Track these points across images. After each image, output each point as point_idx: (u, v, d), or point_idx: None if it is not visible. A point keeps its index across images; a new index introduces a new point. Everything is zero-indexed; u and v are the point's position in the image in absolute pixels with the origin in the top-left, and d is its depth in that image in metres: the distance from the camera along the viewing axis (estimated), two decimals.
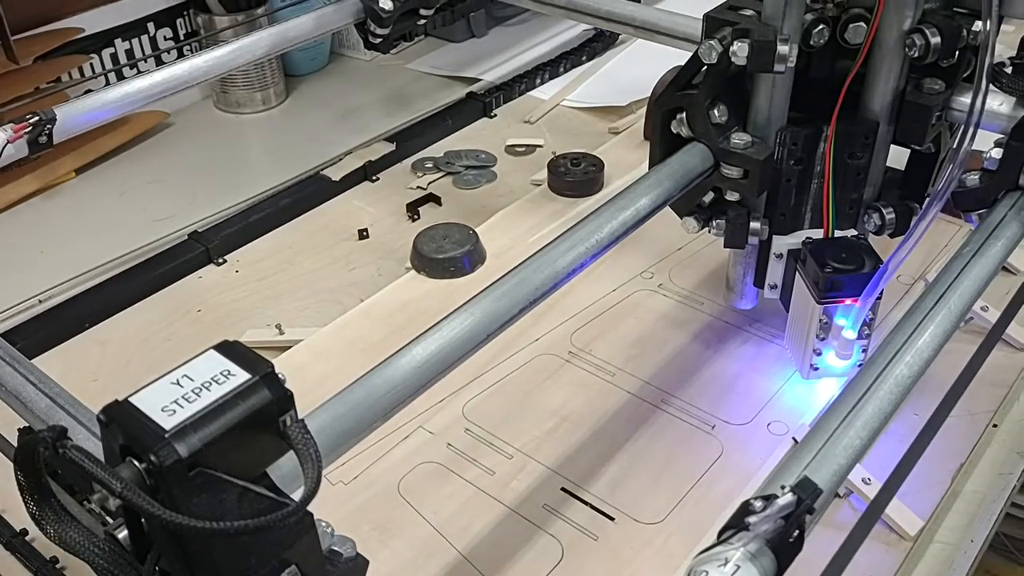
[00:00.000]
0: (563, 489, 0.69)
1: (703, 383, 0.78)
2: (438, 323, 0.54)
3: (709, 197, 0.75)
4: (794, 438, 0.72)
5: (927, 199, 0.74)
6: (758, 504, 0.44)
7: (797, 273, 0.76)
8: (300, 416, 0.44)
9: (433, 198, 1.07)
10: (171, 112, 1.25)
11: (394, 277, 0.93)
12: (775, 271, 0.79)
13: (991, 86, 0.66)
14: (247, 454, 0.42)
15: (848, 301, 0.72)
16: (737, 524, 0.44)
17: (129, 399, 0.41)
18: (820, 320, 0.74)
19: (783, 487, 0.44)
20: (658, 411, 0.75)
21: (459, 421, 0.75)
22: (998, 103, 0.69)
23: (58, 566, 0.66)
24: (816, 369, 0.76)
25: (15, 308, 0.91)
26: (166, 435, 0.39)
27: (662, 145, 0.74)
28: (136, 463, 0.39)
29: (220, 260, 0.98)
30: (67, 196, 1.11)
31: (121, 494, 0.37)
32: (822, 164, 0.74)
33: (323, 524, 0.46)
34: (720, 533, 0.45)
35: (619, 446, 0.72)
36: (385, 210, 1.06)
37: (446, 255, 0.91)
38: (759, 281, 0.80)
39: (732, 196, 0.74)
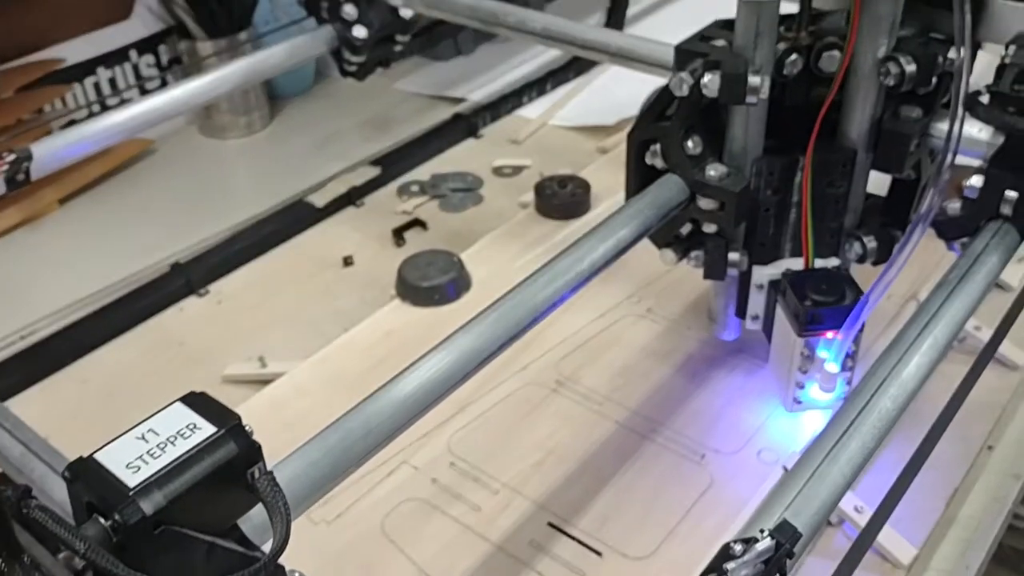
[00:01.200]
0: (550, 524, 0.68)
1: (691, 412, 0.77)
2: (416, 362, 0.54)
3: (687, 228, 0.74)
4: (784, 467, 0.71)
5: (909, 226, 0.73)
6: (738, 548, 0.43)
7: (777, 306, 0.75)
8: (272, 464, 0.44)
9: (419, 223, 1.06)
10: (155, 139, 1.24)
11: (379, 305, 0.93)
12: (756, 302, 0.78)
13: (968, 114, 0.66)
14: (215, 508, 0.41)
15: (830, 334, 0.71)
16: (717, 568, 0.43)
17: (94, 455, 0.40)
18: (802, 353, 0.73)
19: (762, 531, 0.43)
20: (646, 441, 0.74)
21: (444, 455, 0.74)
22: (977, 129, 0.68)
23: None
24: (799, 403, 0.75)
25: None
26: (130, 492, 0.38)
27: (637, 176, 0.73)
28: (102, 520, 0.38)
29: (202, 291, 0.97)
30: (50, 228, 1.10)
31: (85, 555, 0.36)
32: (800, 193, 0.73)
33: (296, 575, 0.45)
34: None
35: (607, 479, 0.71)
36: (370, 235, 1.05)
37: (431, 283, 0.90)
38: (741, 312, 0.79)
39: (710, 228, 0.73)
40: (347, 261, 1.01)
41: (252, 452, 0.42)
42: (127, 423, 0.41)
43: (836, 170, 0.72)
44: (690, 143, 0.69)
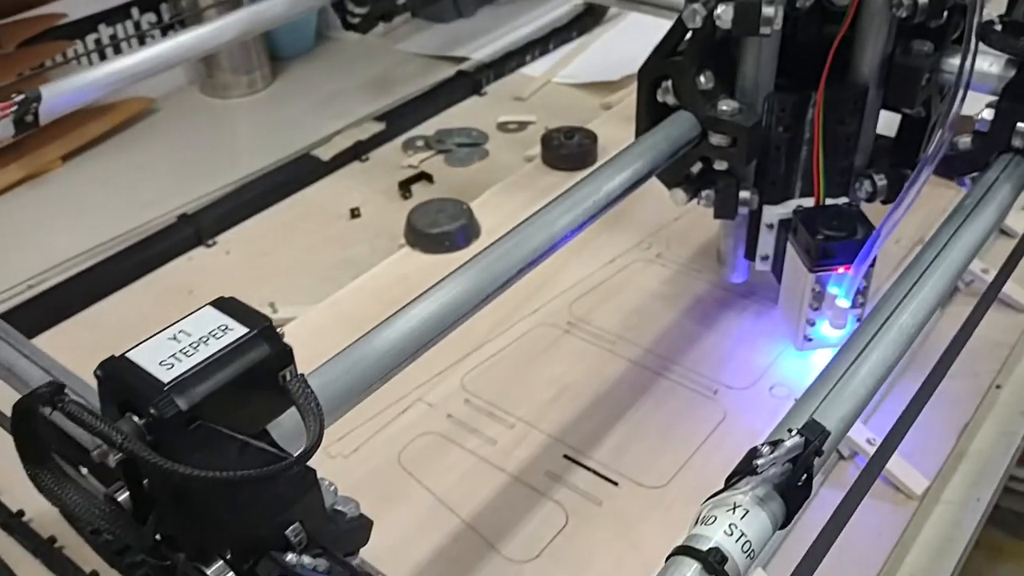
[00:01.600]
0: (566, 456, 0.68)
1: (703, 351, 0.78)
2: (437, 284, 0.54)
3: (698, 167, 0.74)
4: (796, 400, 0.72)
5: (920, 160, 0.73)
6: (765, 449, 0.43)
7: (788, 243, 0.75)
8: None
9: (425, 176, 1.06)
10: (157, 97, 1.24)
11: (388, 254, 0.93)
12: (766, 242, 0.78)
13: (980, 46, 0.66)
14: (247, 409, 0.41)
15: (841, 269, 0.71)
16: (745, 469, 0.43)
17: (126, 355, 0.40)
18: (813, 289, 0.73)
19: (790, 430, 0.43)
20: (659, 378, 0.75)
21: (459, 392, 0.74)
22: (988, 64, 0.68)
23: (56, 545, 0.65)
24: (810, 340, 0.76)
25: (5, 293, 0.90)
26: (165, 387, 0.38)
27: (648, 114, 0.73)
28: (135, 418, 0.38)
29: (210, 242, 0.97)
30: (54, 183, 1.10)
31: (122, 446, 0.36)
32: (811, 131, 0.73)
33: (326, 483, 0.45)
34: (728, 479, 0.44)
35: (621, 413, 0.72)
36: (376, 189, 1.05)
37: (440, 230, 0.90)
38: (750, 253, 0.80)
39: (721, 165, 0.73)
40: (354, 213, 1.01)
41: (284, 354, 0.42)
42: None
43: (847, 107, 0.72)
44: (702, 78, 0.69)
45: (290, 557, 0.42)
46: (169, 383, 0.38)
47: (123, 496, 0.44)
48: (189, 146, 1.16)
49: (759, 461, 0.41)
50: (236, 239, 0.98)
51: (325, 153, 1.10)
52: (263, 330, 0.42)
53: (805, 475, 0.43)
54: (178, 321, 0.42)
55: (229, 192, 1.03)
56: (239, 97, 1.26)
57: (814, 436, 0.42)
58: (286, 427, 0.44)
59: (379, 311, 0.83)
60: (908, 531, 0.66)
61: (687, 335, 0.79)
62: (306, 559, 0.42)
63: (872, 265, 0.71)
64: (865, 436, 0.69)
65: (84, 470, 0.47)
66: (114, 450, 0.38)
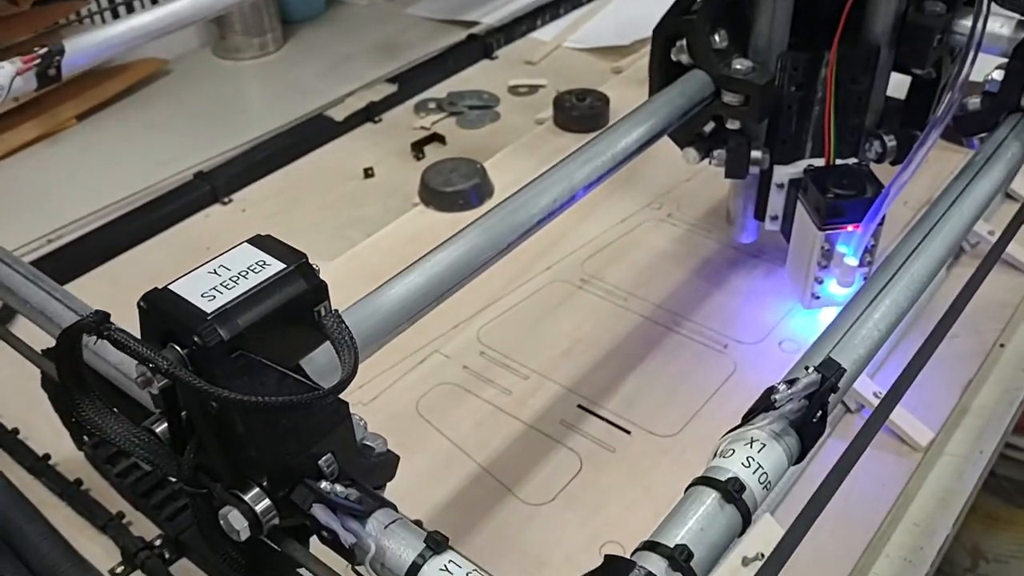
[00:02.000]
0: (579, 406, 0.70)
1: (714, 306, 0.79)
2: (463, 230, 0.55)
3: (710, 127, 0.76)
4: (813, 342, 0.73)
5: (931, 119, 0.74)
6: (782, 387, 0.45)
7: (798, 203, 0.76)
8: None
9: (438, 137, 1.07)
10: (170, 59, 1.24)
11: (402, 212, 0.94)
12: (776, 202, 0.79)
13: (992, 7, 0.67)
14: (284, 343, 0.43)
15: (850, 227, 0.73)
16: (762, 406, 0.45)
17: (169, 287, 0.41)
18: (822, 247, 0.74)
19: (807, 368, 0.45)
20: (670, 333, 0.76)
21: (474, 345, 0.76)
22: (999, 25, 0.69)
23: (83, 487, 0.67)
24: (817, 298, 0.77)
25: (23, 248, 0.91)
26: (208, 317, 0.39)
27: (661, 73, 0.74)
28: (177, 348, 0.40)
29: (226, 199, 0.98)
30: (69, 142, 1.11)
31: (168, 371, 0.38)
32: (823, 90, 0.74)
33: (356, 417, 0.47)
34: (746, 416, 0.46)
35: (633, 365, 0.73)
36: (389, 150, 1.06)
37: (454, 188, 0.91)
38: (760, 213, 0.81)
39: (733, 124, 0.74)
40: (368, 173, 1.02)
41: (319, 290, 0.43)
42: None
43: (859, 66, 0.73)
44: (716, 37, 0.70)
45: (324, 485, 0.44)
46: (212, 313, 0.39)
47: (160, 428, 0.45)
48: (203, 106, 1.17)
49: (776, 396, 0.43)
50: (251, 197, 0.99)
51: (338, 114, 1.10)
52: (300, 266, 0.43)
53: (820, 412, 0.44)
54: (216, 257, 0.43)
55: (244, 151, 1.04)
56: (251, 59, 1.27)
57: (830, 373, 0.43)
58: (318, 362, 0.45)
59: (395, 267, 0.84)
60: (912, 482, 0.68)
61: (697, 292, 0.81)
62: (339, 488, 0.44)
63: (881, 224, 0.73)
64: (872, 390, 0.71)
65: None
66: (159, 376, 0.40)
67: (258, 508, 0.43)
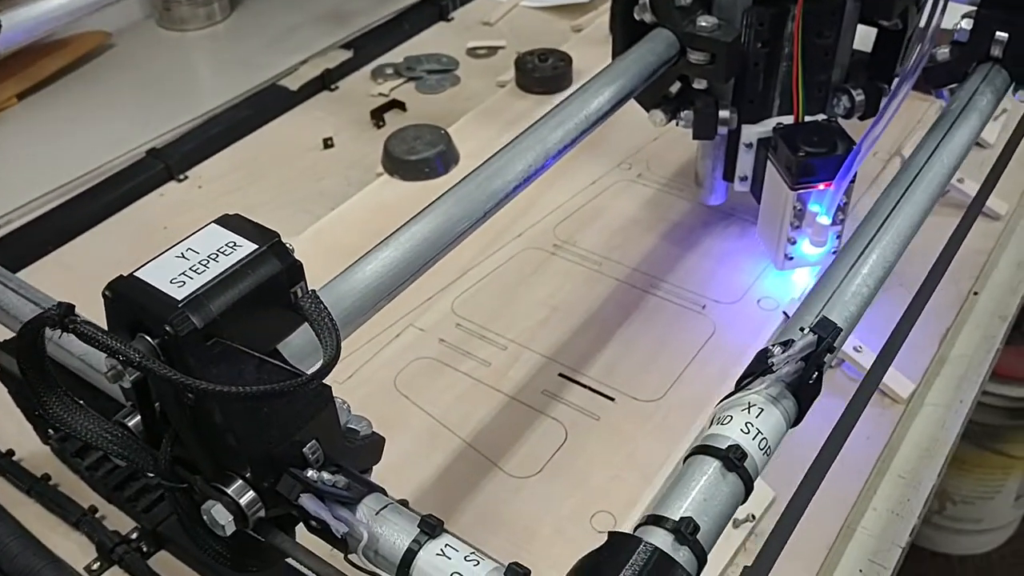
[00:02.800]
0: (560, 375, 0.69)
1: (689, 268, 0.78)
2: (436, 201, 0.53)
3: (676, 87, 0.74)
4: (784, 312, 0.73)
5: (897, 77, 0.74)
6: (777, 349, 0.44)
7: (768, 162, 0.75)
8: None
9: (397, 104, 1.04)
10: (113, 32, 1.19)
11: (364, 185, 0.91)
12: (745, 162, 0.78)
13: None
14: (260, 327, 0.41)
15: (822, 186, 0.72)
16: (757, 370, 0.44)
17: (135, 273, 0.39)
18: (794, 207, 0.73)
19: (802, 329, 0.44)
20: (647, 296, 0.75)
21: (449, 317, 0.74)
22: None
23: (51, 483, 0.64)
24: (791, 259, 0.76)
25: None
26: (180, 304, 0.37)
27: (624, 33, 0.72)
28: (148, 338, 0.37)
29: (181, 177, 0.95)
30: (11, 122, 1.06)
31: (141, 364, 0.35)
32: (790, 45, 0.73)
33: (339, 400, 0.45)
34: (739, 381, 0.45)
35: (612, 330, 0.72)
36: (348, 118, 1.03)
37: (419, 156, 0.89)
38: (729, 174, 0.80)
39: (699, 84, 0.72)
40: (327, 143, 0.99)
41: (294, 270, 0.41)
42: None
43: (825, 19, 0.72)
44: None
45: (310, 473, 0.42)
46: (183, 300, 0.37)
47: (133, 421, 0.43)
48: (150, 81, 1.12)
49: (773, 360, 0.42)
50: (207, 173, 0.96)
51: (293, 83, 1.07)
52: (273, 245, 0.41)
53: (816, 372, 0.44)
54: (183, 240, 0.41)
55: (197, 126, 1.00)
56: (197, 30, 1.22)
57: (827, 333, 0.42)
58: (295, 345, 0.43)
59: (362, 240, 0.81)
60: (895, 434, 0.68)
61: (672, 254, 0.80)
62: (326, 475, 0.42)
63: (853, 181, 0.72)
64: (852, 344, 0.71)
65: None
66: (130, 370, 0.38)
67: (242, 501, 0.41)
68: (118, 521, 0.61)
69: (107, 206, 0.90)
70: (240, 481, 0.41)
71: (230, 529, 0.40)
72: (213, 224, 0.42)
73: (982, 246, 0.83)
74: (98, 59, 1.17)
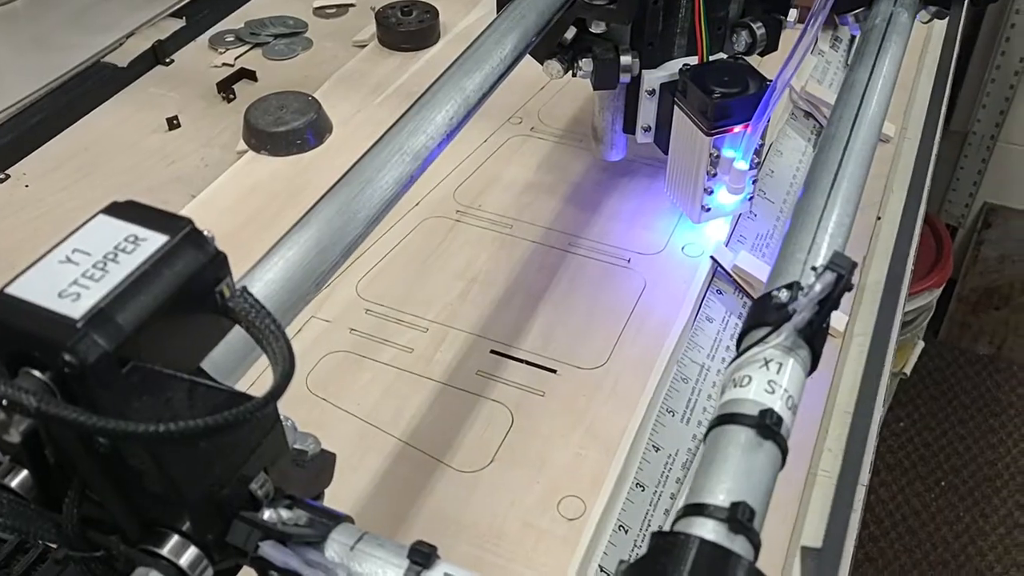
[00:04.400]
0: (493, 351, 0.62)
1: (605, 220, 0.73)
2: (350, 171, 0.45)
3: (571, 34, 0.68)
4: (712, 257, 0.69)
5: (794, 8, 0.71)
6: (783, 295, 0.39)
7: (675, 108, 0.70)
8: None
9: (246, 74, 0.93)
10: None
11: (225, 165, 0.80)
12: (647, 111, 0.73)
13: None
14: (183, 341, 0.32)
15: (738, 128, 0.68)
16: (764, 320, 0.39)
17: (6, 291, 0.29)
18: (710, 154, 0.69)
19: (815, 268, 0.39)
20: (569, 255, 0.69)
21: (356, 303, 0.66)
22: None
23: None
24: (708, 210, 0.72)
25: None
26: (79, 324, 0.28)
27: None
28: (36, 373, 0.28)
29: (1, 176, 0.81)
30: None
31: (39, 411, 0.26)
32: None
33: (283, 417, 0.37)
34: (741, 337, 0.40)
35: (539, 296, 0.66)
36: (191, 94, 0.91)
37: (288, 127, 0.79)
38: (630, 126, 0.75)
39: (597, 27, 0.67)
40: (172, 123, 0.87)
41: (219, 264, 0.33)
42: None
43: None
44: None
45: (267, 515, 0.34)
46: (83, 317, 0.28)
47: (16, 480, 0.33)
48: None
49: (790, 305, 0.37)
50: (33, 170, 0.82)
51: (120, 59, 0.94)
52: (188, 234, 0.32)
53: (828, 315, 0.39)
54: (66, 239, 0.31)
55: (11, 117, 0.86)
56: None
57: (844, 269, 0.38)
58: (214, 358, 0.35)
59: (238, 225, 0.72)
60: (837, 368, 0.66)
61: (585, 208, 0.74)
62: (284, 513, 0.34)
63: (768, 121, 0.68)
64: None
65: None
66: (17, 418, 0.28)
67: (182, 562, 0.32)
68: None
69: None
70: (176, 537, 0.32)
71: None
72: (101, 215, 0.33)
73: (880, 170, 0.82)
74: None
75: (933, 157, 0.87)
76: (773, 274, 0.43)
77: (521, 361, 0.61)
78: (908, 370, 1.51)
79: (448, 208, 0.74)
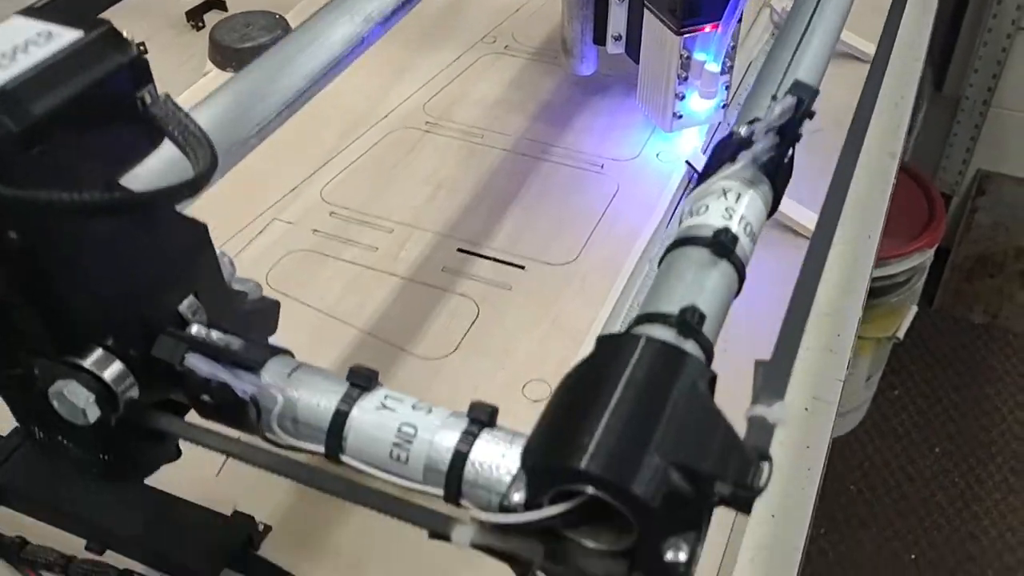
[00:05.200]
0: (460, 250, 0.60)
1: (578, 130, 0.71)
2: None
3: None
4: (687, 161, 0.67)
5: None
6: (743, 129, 0.38)
7: (646, 13, 0.69)
8: None
9: (216, 3, 0.91)
10: None
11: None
12: (618, 17, 0.71)
13: None
14: (99, 145, 0.30)
15: (708, 28, 0.66)
16: (723, 156, 0.37)
17: None
18: (680, 56, 0.67)
19: (774, 96, 0.38)
20: (540, 162, 0.68)
21: (320, 206, 0.64)
22: None
23: None
24: (680, 117, 0.70)
25: None
26: None
27: None
28: None
29: None
30: None
31: None
32: None
33: (219, 252, 0.35)
34: (703, 174, 0.38)
35: (509, 200, 0.64)
36: (160, 24, 0.89)
37: (255, 43, 0.77)
38: (600, 37, 0.73)
39: None
40: (139, 51, 0.85)
41: (139, 67, 0.31)
42: None
43: None
44: None
45: (195, 330, 0.32)
46: None
47: None
48: None
49: (755, 128, 0.36)
50: None
51: None
52: (105, 33, 0.31)
53: (790, 150, 0.38)
54: None
55: None
56: None
57: (805, 95, 0.36)
58: (147, 179, 0.33)
59: None
60: (812, 272, 0.64)
61: (559, 118, 0.73)
62: (215, 333, 0.33)
63: (740, 21, 0.67)
64: None
65: None
66: None
67: (106, 374, 0.30)
68: None
69: None
70: (100, 350, 0.31)
71: (93, 414, 0.30)
72: (15, 16, 0.31)
73: (857, 89, 0.80)
74: None
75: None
76: (739, 117, 0.41)
77: (488, 258, 0.60)
78: (901, 334, 1.50)
79: (417, 120, 0.72)
